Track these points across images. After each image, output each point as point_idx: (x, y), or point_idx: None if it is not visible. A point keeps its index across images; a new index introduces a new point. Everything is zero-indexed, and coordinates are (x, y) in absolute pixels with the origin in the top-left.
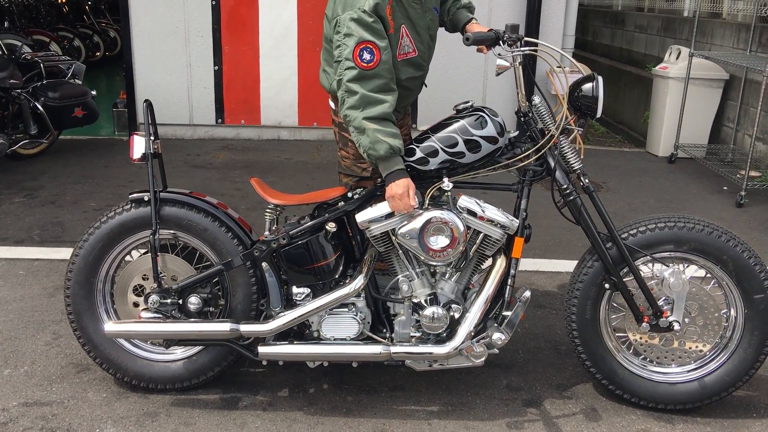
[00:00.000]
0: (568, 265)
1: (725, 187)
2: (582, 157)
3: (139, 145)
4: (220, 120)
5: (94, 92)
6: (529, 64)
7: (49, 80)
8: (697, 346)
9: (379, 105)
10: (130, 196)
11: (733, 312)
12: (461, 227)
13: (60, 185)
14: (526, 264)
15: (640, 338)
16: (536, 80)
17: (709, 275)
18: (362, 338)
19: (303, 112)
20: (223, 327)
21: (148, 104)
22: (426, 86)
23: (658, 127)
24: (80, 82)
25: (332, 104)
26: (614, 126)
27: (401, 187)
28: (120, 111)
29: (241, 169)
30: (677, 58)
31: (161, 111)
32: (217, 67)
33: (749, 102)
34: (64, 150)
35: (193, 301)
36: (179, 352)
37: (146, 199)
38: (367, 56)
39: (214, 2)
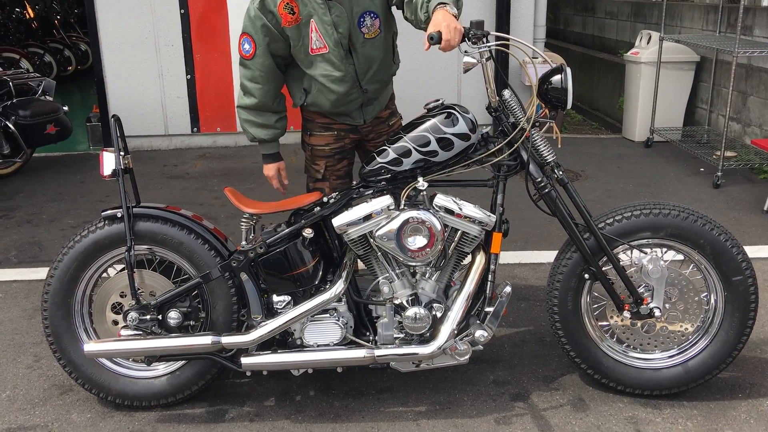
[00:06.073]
0: (550, 256)
1: (702, 169)
2: (559, 146)
3: (108, 162)
4: (195, 129)
5: (66, 108)
6: (498, 58)
7: (20, 98)
8: (678, 330)
9: (249, 97)
10: (102, 213)
11: (713, 296)
12: (438, 226)
13: (36, 204)
14: (508, 257)
15: (623, 326)
16: (509, 72)
17: (687, 260)
18: (346, 343)
19: None
20: (205, 340)
21: (116, 119)
22: (366, 91)
23: (633, 113)
24: (51, 99)
25: None
26: (590, 113)
27: (271, 170)
28: (94, 125)
29: (219, 177)
30: (648, 43)
31: (135, 123)
32: (189, 76)
33: (721, 83)
34: (39, 168)
35: (173, 316)
36: (162, 368)
37: (119, 215)
38: (246, 46)
39: (182, 11)
